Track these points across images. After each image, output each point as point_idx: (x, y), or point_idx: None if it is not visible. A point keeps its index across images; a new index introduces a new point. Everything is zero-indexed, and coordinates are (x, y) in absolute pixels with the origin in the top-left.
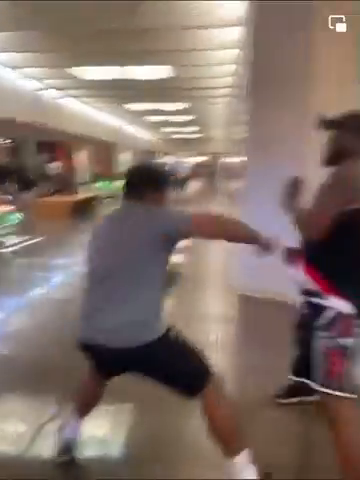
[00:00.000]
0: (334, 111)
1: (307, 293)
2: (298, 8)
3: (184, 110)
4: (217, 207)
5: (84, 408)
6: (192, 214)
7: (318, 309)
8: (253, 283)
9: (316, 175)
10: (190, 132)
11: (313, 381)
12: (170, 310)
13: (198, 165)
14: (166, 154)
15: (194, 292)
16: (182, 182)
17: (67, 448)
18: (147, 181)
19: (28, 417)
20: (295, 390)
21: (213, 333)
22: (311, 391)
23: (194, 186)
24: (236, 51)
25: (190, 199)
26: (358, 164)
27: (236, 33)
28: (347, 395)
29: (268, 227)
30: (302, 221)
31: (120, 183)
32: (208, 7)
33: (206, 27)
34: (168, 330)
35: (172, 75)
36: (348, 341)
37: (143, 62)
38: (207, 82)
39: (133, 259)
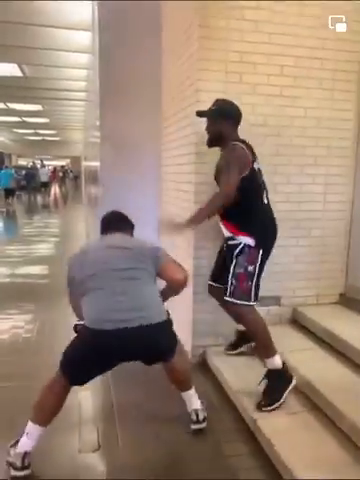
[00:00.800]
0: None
1: (226, 240)
2: (146, 13)
3: (39, 112)
4: (80, 212)
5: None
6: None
7: (233, 246)
8: None
9: (170, 175)
10: (47, 135)
11: (226, 294)
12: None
13: (59, 169)
14: (20, 156)
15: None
16: (44, 187)
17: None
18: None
19: None
20: (239, 341)
21: None
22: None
23: (57, 191)
24: (87, 56)
25: (53, 205)
26: (237, 144)
27: (87, 37)
28: (247, 303)
29: None
30: (213, 201)
31: None
32: (60, 7)
33: (60, 28)
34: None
35: (20, 74)
36: (251, 267)
37: None
38: (61, 84)
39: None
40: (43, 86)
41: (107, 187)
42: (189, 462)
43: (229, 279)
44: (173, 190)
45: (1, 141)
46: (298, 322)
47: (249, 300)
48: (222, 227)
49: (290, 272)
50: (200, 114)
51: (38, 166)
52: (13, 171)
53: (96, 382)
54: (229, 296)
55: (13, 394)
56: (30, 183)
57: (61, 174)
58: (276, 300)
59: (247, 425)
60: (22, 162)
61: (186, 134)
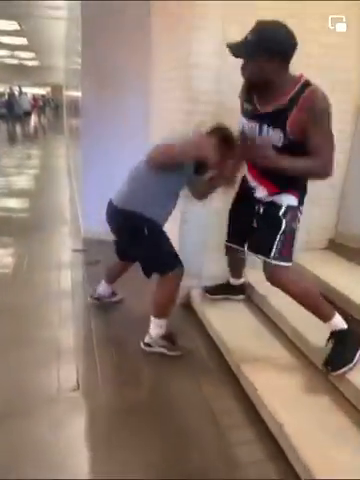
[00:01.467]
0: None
1: (262, 200)
2: None
3: (16, 31)
4: (61, 143)
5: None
6: None
7: (276, 207)
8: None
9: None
10: (25, 58)
11: (263, 255)
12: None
13: (40, 98)
14: None
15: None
16: (25, 117)
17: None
18: None
19: None
20: (223, 288)
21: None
22: (237, 291)
23: (36, 120)
24: None
25: (33, 135)
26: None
27: None
28: (288, 264)
29: (107, 162)
30: (308, 169)
31: None
32: None
33: None
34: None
35: None
36: (296, 225)
37: None
38: None
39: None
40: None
41: (88, 119)
42: (169, 401)
43: (276, 242)
44: (168, 122)
45: None
46: None
47: (290, 260)
48: (257, 186)
49: None
50: (234, 52)
51: (16, 93)
52: None
53: (76, 317)
54: (275, 259)
55: None
56: (11, 111)
57: (41, 103)
58: None
59: (232, 371)
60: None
61: (180, 56)
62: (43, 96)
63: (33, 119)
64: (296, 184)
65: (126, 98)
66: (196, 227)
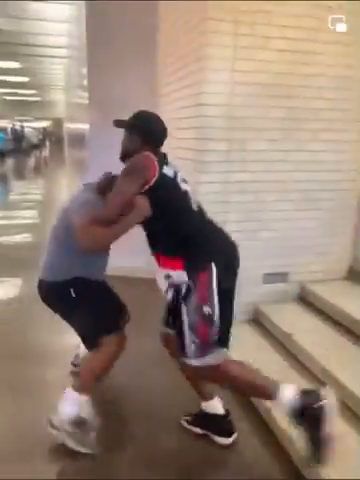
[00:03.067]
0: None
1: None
2: None
3: (17, 70)
4: (66, 177)
5: None
6: None
7: (176, 287)
8: None
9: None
10: (26, 95)
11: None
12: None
13: (43, 131)
14: None
15: None
16: (33, 149)
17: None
18: None
19: None
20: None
21: None
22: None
23: (42, 154)
24: (70, 7)
25: (41, 168)
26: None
27: None
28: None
29: None
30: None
31: None
32: None
33: None
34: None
35: None
36: (206, 307)
37: None
38: (39, 39)
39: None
40: (20, 41)
41: (95, 151)
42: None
43: (184, 332)
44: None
45: None
46: (306, 299)
47: (214, 348)
48: (156, 265)
49: (298, 247)
50: (118, 124)
51: (18, 128)
52: (3, 134)
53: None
54: (189, 356)
55: None
56: (20, 146)
57: (41, 137)
58: (283, 277)
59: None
60: (1, 124)
61: (190, 94)
62: (44, 129)
63: (35, 152)
64: (183, 250)
65: None
66: None
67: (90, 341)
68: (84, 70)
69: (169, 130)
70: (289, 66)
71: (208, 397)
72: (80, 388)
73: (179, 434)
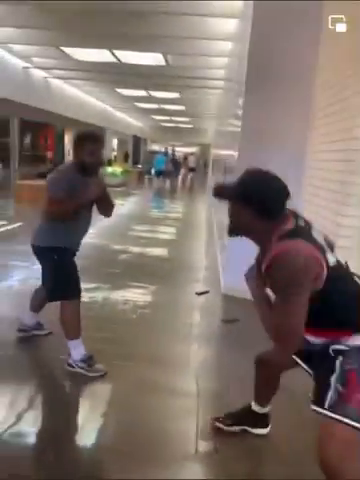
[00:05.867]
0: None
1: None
2: (299, 3)
3: (175, 99)
4: (206, 199)
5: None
6: None
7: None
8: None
9: (312, 177)
10: (180, 122)
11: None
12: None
13: (188, 155)
14: (153, 141)
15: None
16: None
17: (24, 330)
18: None
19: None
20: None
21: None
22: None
23: (185, 176)
24: (230, 43)
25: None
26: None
27: (232, 25)
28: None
29: None
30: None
31: (110, 169)
32: None
33: (202, 16)
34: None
35: (163, 63)
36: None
37: (135, 47)
38: (200, 72)
39: None
40: (183, 74)
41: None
42: None
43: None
44: (318, 189)
45: (140, 127)
46: None
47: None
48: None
49: None
50: (218, 193)
51: (169, 152)
52: (165, 158)
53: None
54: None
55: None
56: (177, 169)
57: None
58: None
59: None
60: (155, 147)
61: (345, 127)
62: (192, 154)
63: (182, 175)
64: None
65: (282, 162)
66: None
67: (50, 298)
68: (240, 101)
69: (312, 162)
70: None
71: (264, 403)
72: (70, 336)
73: None
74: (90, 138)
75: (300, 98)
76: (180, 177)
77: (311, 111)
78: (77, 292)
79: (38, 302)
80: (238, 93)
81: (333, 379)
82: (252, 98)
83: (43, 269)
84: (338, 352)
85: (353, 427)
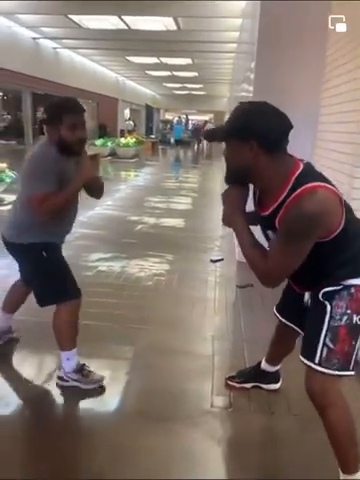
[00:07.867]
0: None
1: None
2: None
3: (188, 66)
4: (221, 168)
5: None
6: None
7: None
8: None
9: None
10: (193, 89)
11: (306, 358)
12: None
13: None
14: (167, 111)
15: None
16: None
17: None
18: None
19: None
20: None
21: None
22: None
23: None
24: (244, 3)
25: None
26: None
27: None
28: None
29: None
30: None
31: (123, 140)
32: None
33: None
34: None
35: (174, 28)
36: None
37: (145, 12)
38: (213, 36)
39: None
40: (195, 39)
41: None
42: None
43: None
44: (329, 151)
45: (152, 95)
46: None
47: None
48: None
49: None
50: (211, 137)
51: (183, 120)
52: (183, 127)
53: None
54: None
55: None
56: (196, 136)
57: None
58: None
59: None
60: (168, 117)
61: (356, 87)
62: (206, 122)
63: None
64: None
65: (294, 124)
66: None
67: (41, 302)
68: (252, 64)
69: (326, 124)
70: None
71: (275, 363)
72: (65, 346)
73: None
74: (69, 108)
75: (313, 57)
76: (199, 145)
77: (322, 74)
78: (76, 291)
79: (15, 301)
80: (250, 56)
81: (323, 335)
82: (264, 59)
83: (27, 271)
84: (328, 297)
85: (339, 376)
